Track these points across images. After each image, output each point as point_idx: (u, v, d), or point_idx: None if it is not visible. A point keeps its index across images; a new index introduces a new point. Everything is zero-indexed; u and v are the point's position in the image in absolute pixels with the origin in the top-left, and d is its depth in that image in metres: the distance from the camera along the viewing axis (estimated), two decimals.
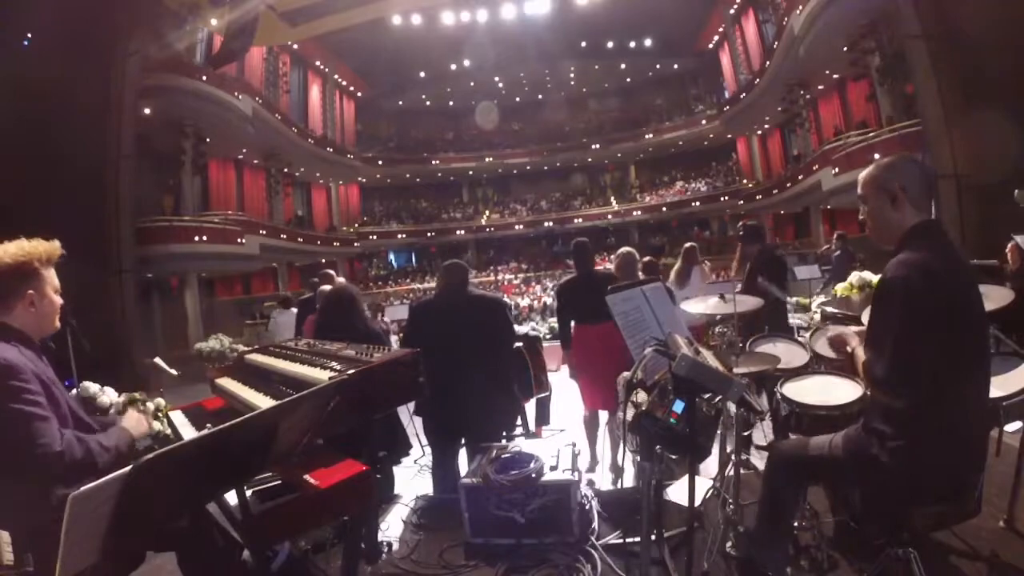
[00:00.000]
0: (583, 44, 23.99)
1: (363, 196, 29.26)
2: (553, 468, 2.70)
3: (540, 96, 29.81)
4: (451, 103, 29.50)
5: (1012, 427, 2.71)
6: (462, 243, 29.26)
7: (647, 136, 27.57)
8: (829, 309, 4.32)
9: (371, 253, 29.18)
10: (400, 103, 29.26)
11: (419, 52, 22.02)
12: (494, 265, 29.13)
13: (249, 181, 19.87)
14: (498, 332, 3.27)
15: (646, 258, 5.76)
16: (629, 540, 2.37)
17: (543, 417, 4.19)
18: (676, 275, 5.62)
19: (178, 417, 2.33)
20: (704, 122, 25.67)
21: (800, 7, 13.83)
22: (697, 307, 3.15)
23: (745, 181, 24.86)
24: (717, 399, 1.70)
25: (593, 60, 26.08)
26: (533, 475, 2.61)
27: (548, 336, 8.32)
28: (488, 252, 30.60)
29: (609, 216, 28.09)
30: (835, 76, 16.52)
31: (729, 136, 25.21)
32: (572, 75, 28.08)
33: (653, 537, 2.33)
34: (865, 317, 2.61)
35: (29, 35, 6.73)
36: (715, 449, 2.34)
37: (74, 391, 2.96)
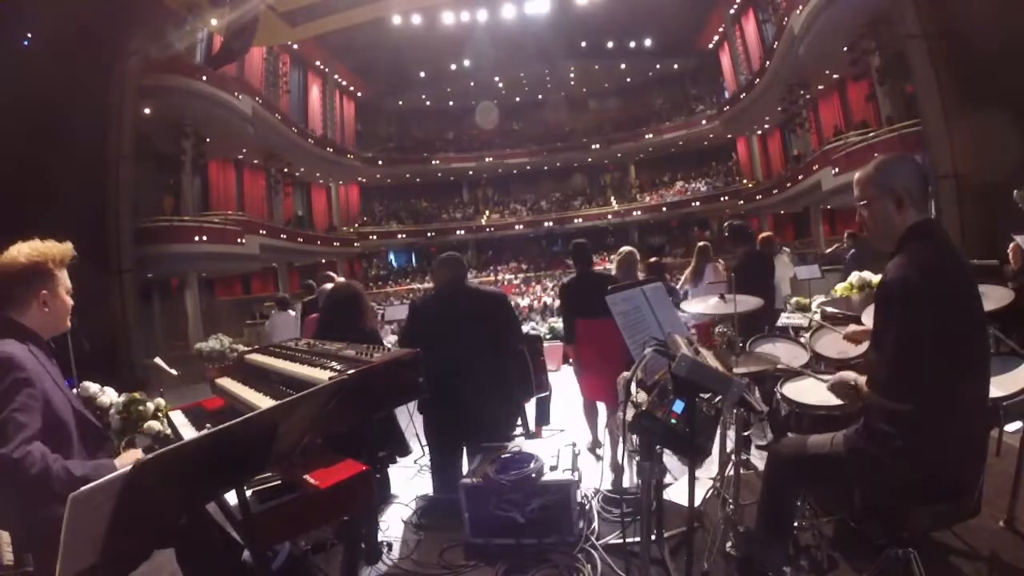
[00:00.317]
0: (583, 44, 23.99)
1: (363, 196, 29.27)
2: (553, 468, 2.70)
3: (540, 96, 29.83)
4: (451, 103, 29.50)
5: (1012, 427, 2.71)
6: (462, 243, 29.24)
7: (647, 136, 27.56)
8: (829, 309, 4.32)
9: (371, 253, 29.19)
10: (400, 103, 29.27)
11: (419, 52, 22.03)
12: (494, 265, 29.14)
13: (249, 181, 19.86)
14: (503, 329, 3.21)
15: (652, 259, 5.87)
16: (629, 540, 2.37)
17: (543, 417, 4.20)
18: (691, 273, 5.70)
19: (178, 417, 2.33)
20: (704, 122, 25.66)
21: (800, 7, 13.83)
22: (697, 307, 3.16)
23: (745, 181, 24.86)
24: (717, 399, 1.70)
25: (593, 60, 26.09)
26: (533, 475, 2.61)
27: (548, 336, 8.32)
28: (488, 252, 30.60)
29: (609, 216, 28.09)
30: (835, 76, 16.52)
31: (729, 136, 25.21)
32: (572, 75, 28.09)
33: (653, 537, 2.33)
34: (865, 317, 2.62)
35: (29, 35, 6.74)
36: (715, 449, 2.34)
37: (74, 391, 2.96)
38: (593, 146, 28.54)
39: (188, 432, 2.10)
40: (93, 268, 7.10)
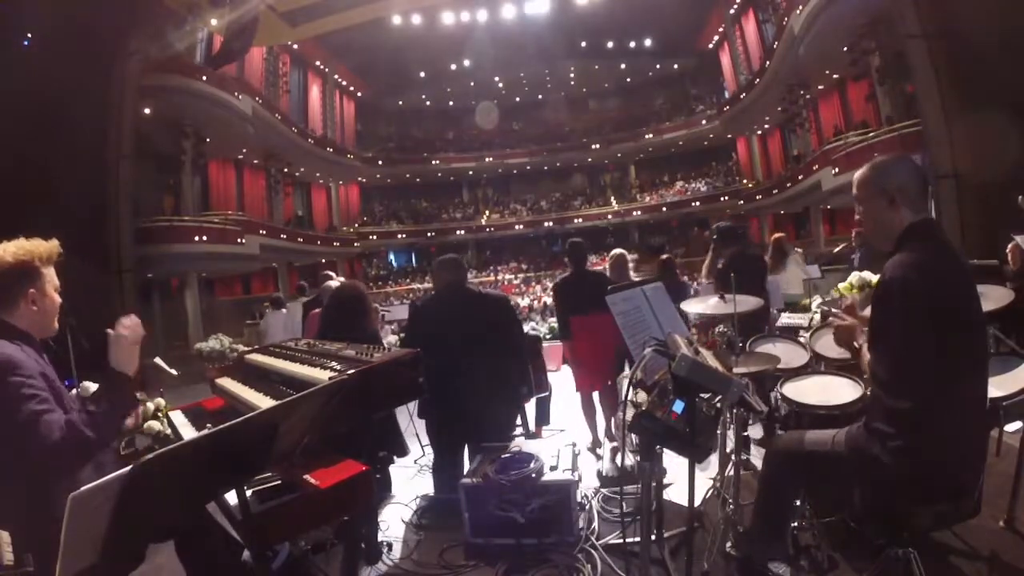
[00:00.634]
0: (583, 44, 23.99)
1: (363, 196, 29.26)
2: (553, 468, 2.70)
3: (540, 96, 29.83)
4: (451, 103, 29.51)
5: (1012, 427, 2.71)
6: (462, 243, 29.24)
7: (647, 136, 27.56)
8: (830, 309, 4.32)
9: (371, 253, 29.17)
10: (400, 103, 29.26)
11: (419, 52, 22.03)
12: (494, 265, 29.13)
13: (249, 181, 19.86)
14: (504, 330, 3.21)
15: (663, 256, 6.02)
16: (629, 540, 2.37)
17: (543, 417, 4.20)
18: (708, 266, 5.76)
19: (178, 417, 2.33)
20: (704, 122, 25.66)
21: (800, 7, 13.83)
22: (697, 307, 3.16)
23: (745, 181, 24.86)
24: (717, 399, 1.70)
25: (593, 60, 26.09)
26: (533, 475, 2.61)
27: (548, 336, 8.32)
28: (488, 252, 30.60)
29: (609, 216, 28.09)
30: (835, 76, 16.52)
31: (729, 136, 25.21)
32: (572, 75, 28.09)
33: (653, 537, 2.33)
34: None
35: (29, 35, 6.73)
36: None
37: (74, 391, 2.96)
38: (593, 146, 28.54)
39: (188, 432, 2.10)
40: (93, 268, 7.10)
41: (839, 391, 2.33)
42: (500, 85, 27.79)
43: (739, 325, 2.69)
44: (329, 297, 3.39)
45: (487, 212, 30.06)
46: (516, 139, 30.02)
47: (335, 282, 4.61)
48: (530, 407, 3.99)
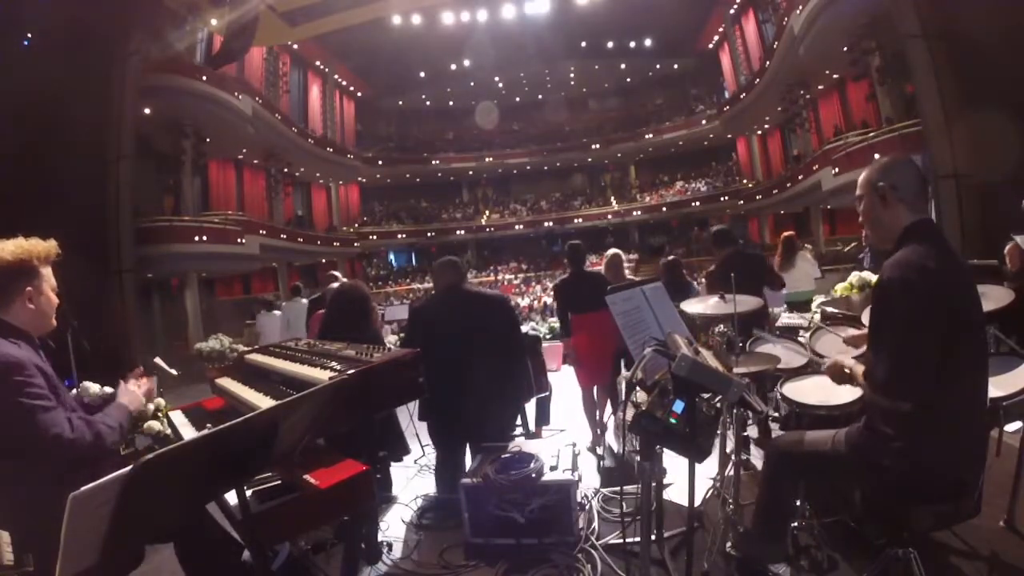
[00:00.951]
0: (583, 44, 23.98)
1: (363, 196, 29.25)
2: (553, 468, 2.71)
3: (540, 96, 29.81)
4: (451, 103, 29.50)
5: (1012, 427, 2.71)
6: (462, 243, 29.24)
7: (647, 136, 27.56)
8: (829, 309, 4.32)
9: (371, 253, 29.17)
10: (400, 103, 29.26)
11: (419, 52, 22.02)
12: (494, 265, 29.12)
13: (249, 181, 19.86)
14: (504, 331, 3.21)
15: (670, 257, 6.13)
16: (629, 540, 2.37)
17: (543, 417, 4.21)
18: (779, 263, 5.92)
19: (178, 417, 2.33)
20: (704, 122, 25.66)
21: (800, 7, 13.82)
22: (697, 307, 3.16)
23: (745, 181, 24.86)
24: (717, 399, 1.70)
25: (593, 60, 26.08)
26: (533, 475, 2.61)
27: (548, 336, 8.32)
28: (488, 252, 30.59)
29: (609, 216, 28.09)
30: (835, 76, 16.52)
31: (729, 136, 25.20)
32: (572, 75, 28.08)
33: (653, 537, 2.33)
34: (865, 317, 2.62)
35: (29, 35, 6.73)
36: (715, 449, 2.34)
37: (74, 391, 2.96)
38: (593, 146, 28.54)
39: (188, 432, 2.10)
40: (93, 268, 7.10)
41: (839, 391, 2.33)
42: (500, 85, 27.78)
43: (738, 325, 2.69)
44: (332, 297, 3.39)
45: (487, 212, 30.05)
46: (516, 139, 30.02)
47: (336, 283, 4.61)
48: (530, 407, 4.00)
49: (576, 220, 28.10)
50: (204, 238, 14.53)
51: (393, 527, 3.03)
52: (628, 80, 28.97)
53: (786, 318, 4.61)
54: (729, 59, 23.09)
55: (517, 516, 2.58)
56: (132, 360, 7.56)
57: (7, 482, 1.51)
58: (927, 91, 7.58)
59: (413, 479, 3.74)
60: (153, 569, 2.15)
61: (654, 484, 2.31)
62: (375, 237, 28.24)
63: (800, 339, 3.21)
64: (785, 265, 5.82)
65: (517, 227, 29.14)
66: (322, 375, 1.80)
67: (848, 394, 2.29)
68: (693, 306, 3.18)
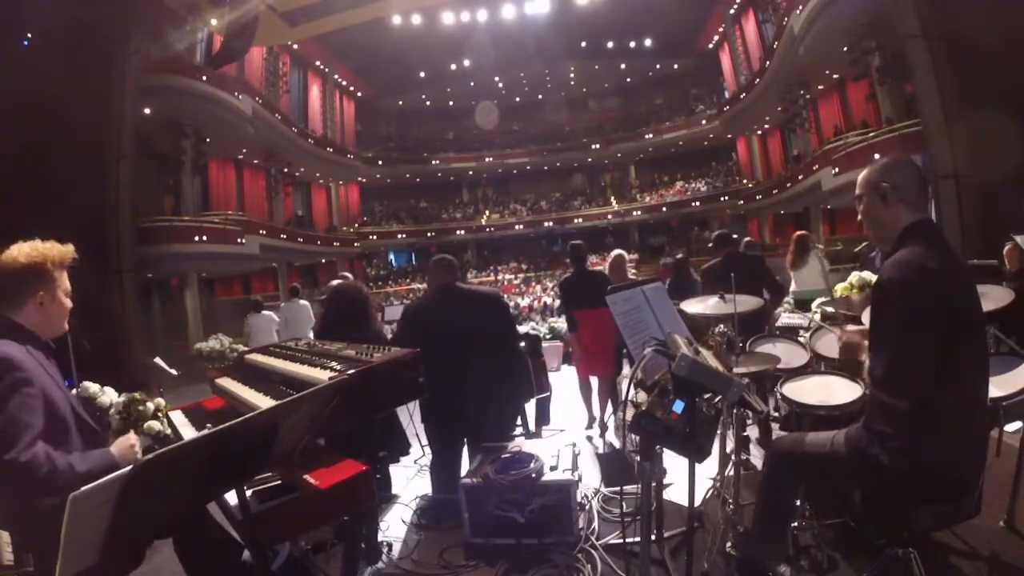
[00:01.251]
0: (583, 44, 23.97)
1: (363, 196, 29.25)
2: (553, 468, 2.70)
3: (540, 96, 29.81)
4: (451, 103, 29.49)
5: (1012, 427, 2.71)
6: (462, 243, 29.24)
7: (647, 136, 27.55)
8: (829, 309, 4.32)
9: (371, 253, 29.16)
10: (400, 103, 29.26)
11: (419, 52, 22.01)
12: (494, 265, 29.12)
13: (249, 181, 19.86)
14: (497, 328, 3.19)
15: (678, 255, 6.29)
16: (629, 540, 2.37)
17: (543, 417, 4.21)
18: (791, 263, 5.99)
19: (178, 417, 2.33)
20: (704, 122, 25.65)
21: (800, 7, 13.82)
22: (697, 307, 3.16)
23: (745, 181, 24.86)
24: (717, 399, 1.70)
25: (593, 60, 26.07)
26: (533, 475, 2.61)
27: (548, 336, 8.31)
28: (488, 252, 30.59)
29: (609, 216, 28.09)
30: (835, 76, 16.51)
31: (729, 136, 25.20)
32: (572, 75, 28.08)
33: (653, 537, 2.33)
34: (865, 317, 2.62)
35: (29, 35, 6.73)
36: (715, 449, 2.34)
37: (74, 391, 2.96)
38: (593, 146, 28.53)
39: (188, 432, 2.10)
40: (93, 268, 7.08)
41: (839, 391, 2.33)
42: (500, 85, 27.78)
43: (738, 325, 2.69)
44: (329, 297, 3.39)
45: (487, 212, 30.05)
46: (516, 139, 30.01)
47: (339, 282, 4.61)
48: (530, 407, 4.00)
49: (576, 220, 28.10)
50: (204, 238, 14.53)
51: (393, 527, 3.03)
52: (628, 80, 28.97)
53: (786, 318, 4.61)
54: (729, 59, 23.09)
55: (517, 516, 2.58)
56: (132, 360, 7.56)
57: (7, 482, 1.51)
58: (927, 91, 7.59)
59: (413, 479, 3.74)
60: (153, 569, 2.15)
61: (654, 484, 2.31)
62: (375, 237, 28.24)
63: (800, 339, 3.21)
64: (798, 263, 5.85)
65: (517, 227, 29.14)
66: (322, 375, 1.80)
67: (848, 394, 2.29)
68: (693, 306, 3.18)
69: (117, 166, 8.00)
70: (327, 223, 25.59)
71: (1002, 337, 2.65)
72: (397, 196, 30.29)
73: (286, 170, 21.27)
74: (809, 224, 20.45)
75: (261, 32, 10.80)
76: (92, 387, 3.02)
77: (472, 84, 27.06)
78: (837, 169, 14.44)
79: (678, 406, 1.57)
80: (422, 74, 26.00)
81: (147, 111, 11.87)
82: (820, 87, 17.65)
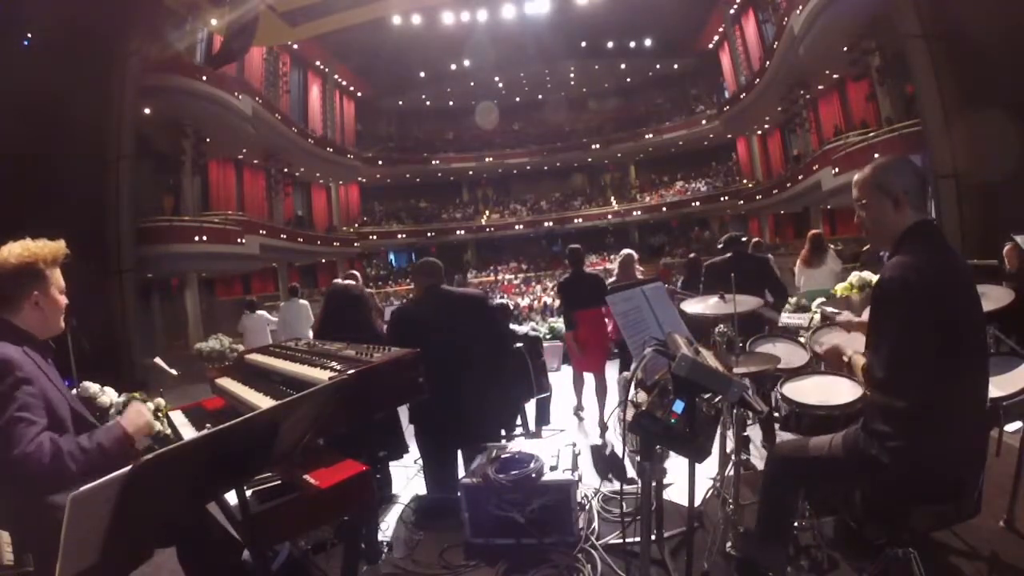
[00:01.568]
0: (583, 44, 23.96)
1: (363, 196, 29.24)
2: (553, 468, 2.71)
3: (540, 96, 29.80)
4: (451, 103, 29.47)
5: (1012, 427, 2.71)
6: (462, 243, 29.25)
7: (647, 136, 27.54)
8: (829, 309, 4.32)
9: (371, 253, 29.15)
10: (400, 103, 29.25)
11: (419, 52, 22.00)
12: (494, 265, 29.12)
13: (249, 181, 19.86)
14: (482, 329, 3.16)
15: (691, 255, 6.46)
16: (629, 540, 2.37)
17: (543, 417, 4.21)
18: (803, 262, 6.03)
19: (178, 417, 2.33)
20: (704, 122, 25.65)
21: (800, 7, 13.82)
22: (697, 307, 3.15)
23: (745, 181, 24.85)
24: (717, 399, 1.70)
25: (593, 60, 26.06)
26: (533, 475, 2.61)
27: (548, 336, 8.31)
28: (488, 252, 30.59)
29: (609, 216, 28.08)
30: (835, 76, 16.51)
31: (729, 136, 25.20)
32: (572, 75, 28.07)
33: (653, 537, 2.33)
34: (865, 317, 2.62)
35: (29, 35, 6.73)
36: (715, 449, 2.34)
37: (74, 391, 2.96)
38: (593, 146, 28.52)
39: (188, 432, 2.10)
40: (93, 268, 7.10)
41: (839, 391, 2.33)
42: (500, 85, 27.76)
43: (739, 325, 2.69)
44: (328, 297, 3.39)
45: (487, 212, 30.04)
46: (516, 139, 30.00)
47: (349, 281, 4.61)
48: (530, 407, 4.00)
49: (576, 220, 28.09)
50: (204, 238, 14.54)
51: (393, 527, 3.03)
52: (628, 80, 28.95)
53: (786, 318, 4.61)
54: (729, 59, 23.08)
55: (517, 516, 2.58)
56: (132, 360, 7.56)
57: (6, 483, 1.50)
58: (927, 91, 7.59)
59: (413, 479, 3.73)
60: (153, 569, 2.15)
61: (654, 484, 2.31)
62: (375, 237, 28.23)
63: (800, 339, 3.21)
64: (815, 262, 5.85)
65: (517, 227, 29.12)
66: (322, 375, 1.80)
67: (848, 394, 2.28)
68: (693, 306, 3.18)
69: (117, 166, 8.00)
70: (327, 223, 25.59)
71: (1002, 337, 2.65)
72: (397, 196, 30.29)
73: (286, 170, 21.28)
74: (809, 224, 20.48)
75: (261, 32, 10.80)
76: (92, 387, 3.02)
77: (472, 84, 27.05)
78: (837, 169, 14.45)
79: (678, 406, 1.57)
80: (422, 74, 25.98)
81: (147, 111, 11.86)
82: (820, 87, 17.65)
